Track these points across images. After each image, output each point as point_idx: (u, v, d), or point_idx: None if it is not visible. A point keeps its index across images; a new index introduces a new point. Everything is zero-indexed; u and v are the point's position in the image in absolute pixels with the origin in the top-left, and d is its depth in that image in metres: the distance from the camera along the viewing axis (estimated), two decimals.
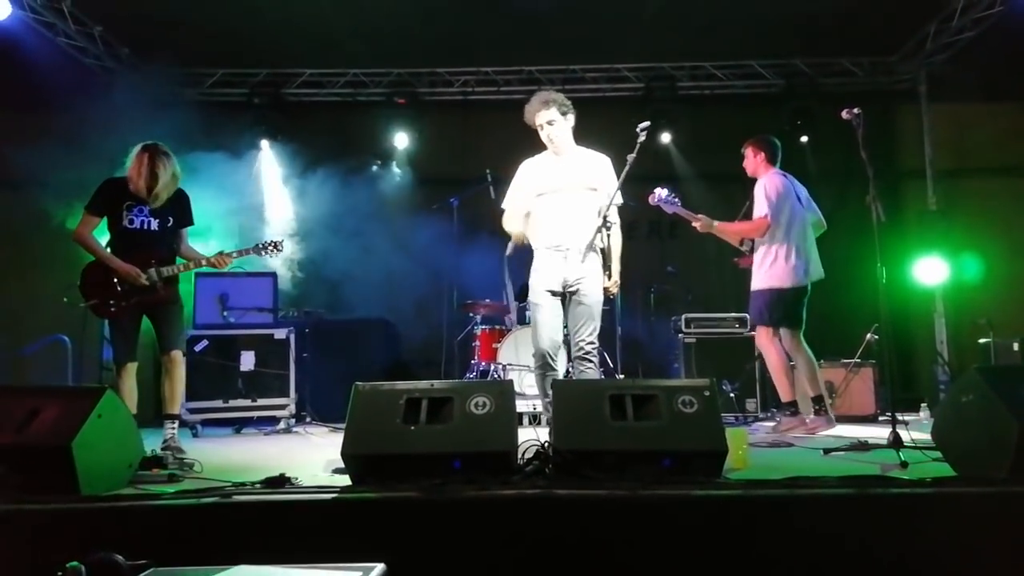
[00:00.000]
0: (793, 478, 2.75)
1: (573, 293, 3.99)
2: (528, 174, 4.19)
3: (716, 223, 4.85)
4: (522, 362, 6.00)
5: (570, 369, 4.15)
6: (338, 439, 2.96)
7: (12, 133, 5.41)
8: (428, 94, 7.80)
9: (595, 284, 4.00)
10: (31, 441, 2.81)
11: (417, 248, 7.13)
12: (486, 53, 7.40)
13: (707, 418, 2.88)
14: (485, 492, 2.62)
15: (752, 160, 5.00)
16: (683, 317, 6.48)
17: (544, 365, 4.00)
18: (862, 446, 3.85)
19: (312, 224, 7.11)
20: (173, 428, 4.18)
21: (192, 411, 5.82)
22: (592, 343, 3.97)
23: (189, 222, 4.43)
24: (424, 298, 7.17)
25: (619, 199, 4.05)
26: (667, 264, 7.20)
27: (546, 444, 2.94)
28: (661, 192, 4.81)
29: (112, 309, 4.14)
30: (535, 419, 5.82)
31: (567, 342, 4.20)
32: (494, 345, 6.33)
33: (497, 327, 6.50)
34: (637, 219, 7.50)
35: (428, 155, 7.79)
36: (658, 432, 2.86)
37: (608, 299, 4.11)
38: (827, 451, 3.80)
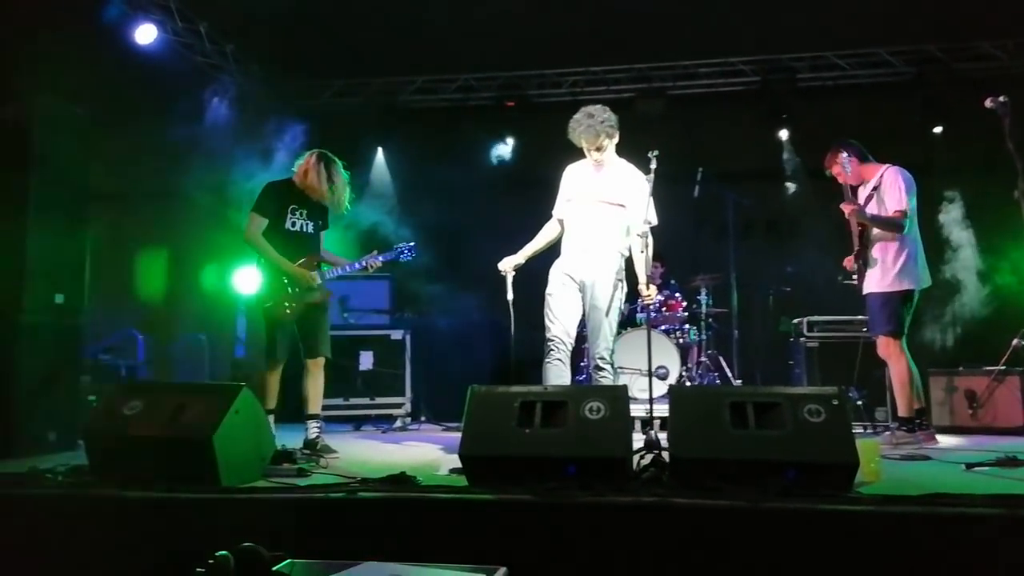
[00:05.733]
0: (933, 494, 2.57)
1: (584, 291, 4.10)
2: (566, 180, 4.41)
3: (868, 212, 4.58)
4: (634, 365, 5.92)
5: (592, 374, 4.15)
6: (452, 438, 3.03)
7: (152, 146, 5.93)
8: (537, 96, 7.82)
9: (606, 288, 4.03)
10: (179, 433, 3.05)
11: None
12: (595, 52, 7.33)
13: (835, 428, 2.74)
14: (601, 498, 2.60)
15: (855, 167, 4.63)
16: (805, 320, 6.17)
17: (552, 350, 4.07)
18: (1010, 461, 3.55)
19: (425, 229, 7.30)
20: (318, 427, 4.32)
21: None
22: (603, 357, 4.03)
23: (327, 226, 4.63)
24: (533, 300, 7.19)
25: (652, 216, 4.01)
26: (786, 265, 6.89)
27: (662, 451, 2.90)
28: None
29: (287, 311, 4.30)
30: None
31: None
32: None
33: None
34: (754, 218, 7.23)
35: (536, 157, 7.80)
36: (782, 442, 2.75)
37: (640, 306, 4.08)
38: (970, 466, 3.53)
